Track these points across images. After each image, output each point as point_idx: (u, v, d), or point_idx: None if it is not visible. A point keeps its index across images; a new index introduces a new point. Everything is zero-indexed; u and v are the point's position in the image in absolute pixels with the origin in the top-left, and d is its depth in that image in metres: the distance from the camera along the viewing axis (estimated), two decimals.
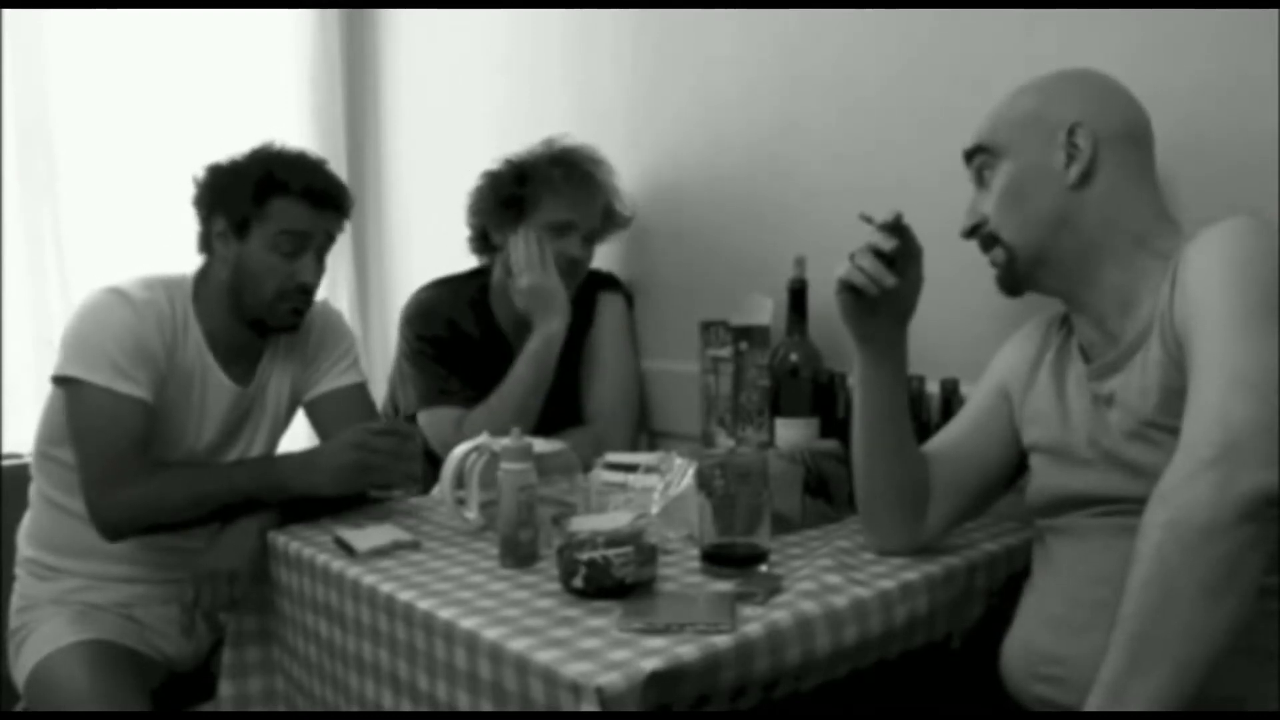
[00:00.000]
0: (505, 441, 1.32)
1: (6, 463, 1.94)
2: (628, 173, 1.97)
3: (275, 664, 1.50)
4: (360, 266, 2.78)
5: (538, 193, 1.85)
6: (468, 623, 1.10)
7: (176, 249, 1.72)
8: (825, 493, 1.45)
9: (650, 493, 1.40)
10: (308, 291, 1.63)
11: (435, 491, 1.56)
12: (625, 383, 1.98)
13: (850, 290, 1.19)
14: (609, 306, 1.99)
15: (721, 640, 1.03)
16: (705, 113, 1.92)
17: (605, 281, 2.02)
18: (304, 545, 1.41)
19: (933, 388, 1.48)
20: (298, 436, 1.80)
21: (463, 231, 1.97)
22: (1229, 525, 0.86)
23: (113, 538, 1.53)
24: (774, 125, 1.81)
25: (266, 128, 1.84)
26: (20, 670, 1.58)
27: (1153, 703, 0.86)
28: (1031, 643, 1.14)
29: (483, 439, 1.45)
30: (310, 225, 1.60)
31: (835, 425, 1.59)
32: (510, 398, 1.80)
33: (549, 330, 1.83)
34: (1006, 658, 1.18)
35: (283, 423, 1.76)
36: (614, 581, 1.14)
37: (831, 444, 1.51)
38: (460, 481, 1.45)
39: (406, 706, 1.20)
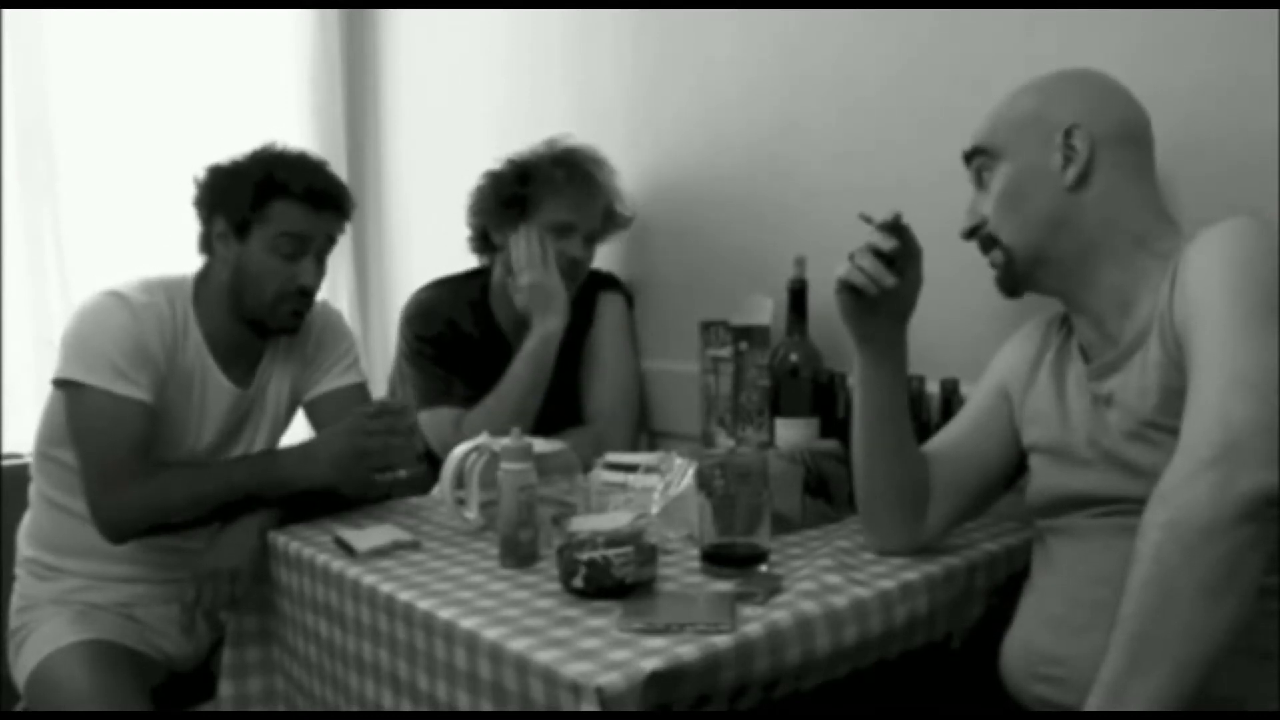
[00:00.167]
0: (505, 441, 1.32)
1: (6, 463, 1.95)
2: (628, 173, 1.97)
3: (275, 664, 1.50)
4: (360, 266, 2.78)
5: (539, 193, 1.86)
6: (468, 623, 1.10)
7: (177, 249, 1.72)
8: (825, 493, 1.45)
9: (650, 493, 1.40)
10: (308, 294, 1.63)
11: (435, 491, 1.56)
12: (625, 383, 1.98)
13: (850, 290, 1.19)
14: (609, 306, 1.99)
15: (721, 640, 1.03)
16: (705, 113, 1.92)
17: (605, 281, 2.02)
18: (304, 545, 1.41)
19: (933, 388, 1.48)
20: (298, 437, 1.80)
21: (463, 231, 1.97)
22: (1229, 525, 0.86)
23: (116, 539, 1.53)
24: (774, 125, 1.81)
25: (267, 128, 1.84)
26: (21, 670, 1.58)
27: (1153, 703, 0.86)
28: (1031, 643, 1.14)
29: (483, 439, 1.45)
30: (311, 228, 1.60)
31: (835, 425, 1.59)
32: (508, 397, 1.80)
33: (547, 329, 1.83)
34: (1006, 658, 1.18)
35: (283, 423, 1.76)
36: (614, 581, 1.14)
37: (831, 444, 1.51)
38: (460, 481, 1.45)
39: (406, 706, 1.20)
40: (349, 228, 1.71)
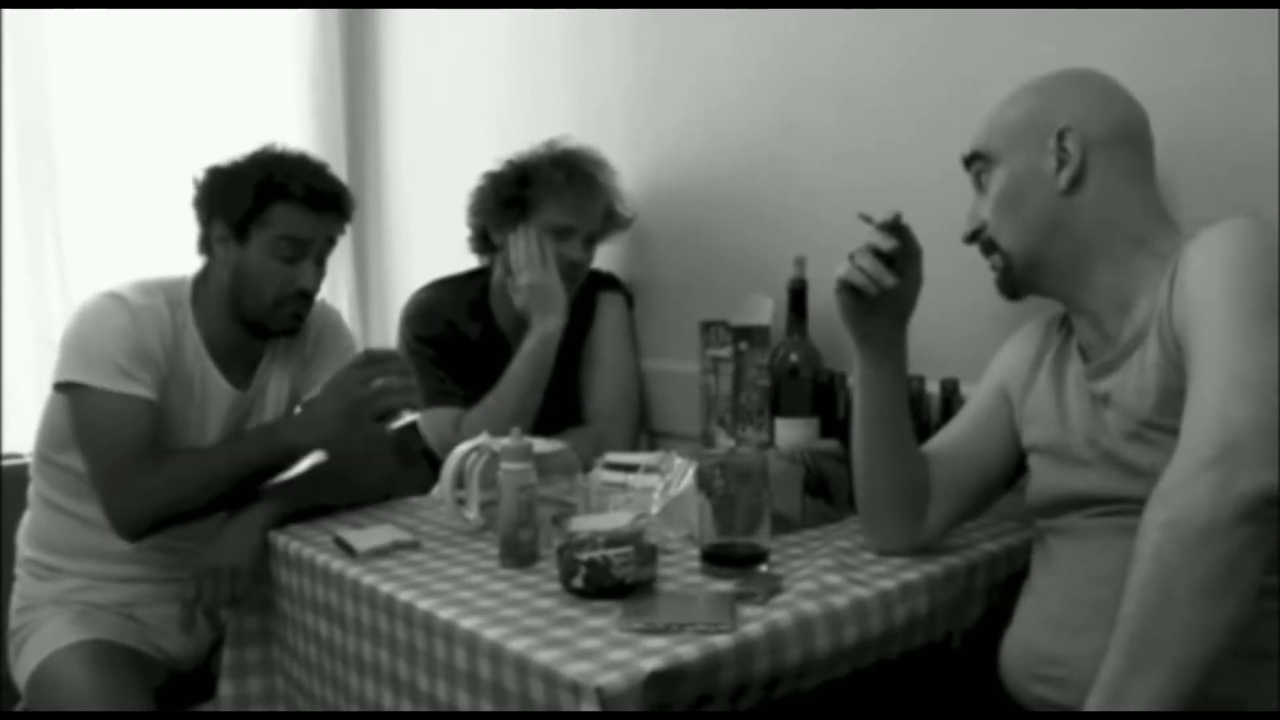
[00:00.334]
0: (505, 441, 1.32)
1: (6, 463, 1.94)
2: (627, 173, 1.97)
3: (275, 664, 1.50)
4: (360, 267, 2.78)
5: (539, 195, 1.85)
6: (468, 623, 1.10)
7: (176, 250, 1.72)
8: (825, 493, 1.45)
9: (650, 493, 1.40)
10: (308, 296, 1.63)
11: (435, 491, 1.56)
12: (625, 383, 1.98)
13: (850, 290, 1.19)
14: (609, 306, 1.99)
15: (721, 640, 1.03)
16: (705, 113, 1.92)
17: (605, 281, 2.01)
18: (304, 545, 1.41)
19: (933, 388, 1.48)
20: None
21: (463, 231, 1.97)
22: (1228, 525, 0.86)
23: (132, 536, 1.52)
24: (774, 125, 1.81)
25: (267, 128, 1.84)
26: (21, 671, 1.58)
27: (1153, 703, 0.86)
28: (1031, 643, 1.14)
29: (483, 439, 1.45)
30: (311, 231, 1.59)
31: (835, 425, 1.59)
32: (507, 397, 1.80)
33: (546, 329, 1.83)
34: (1005, 658, 1.18)
35: None
36: (614, 581, 1.14)
37: (831, 444, 1.51)
38: (460, 481, 1.45)
39: (406, 706, 1.20)
40: (349, 228, 1.70)
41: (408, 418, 1.50)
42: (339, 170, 1.73)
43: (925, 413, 1.46)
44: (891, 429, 1.27)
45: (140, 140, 2.36)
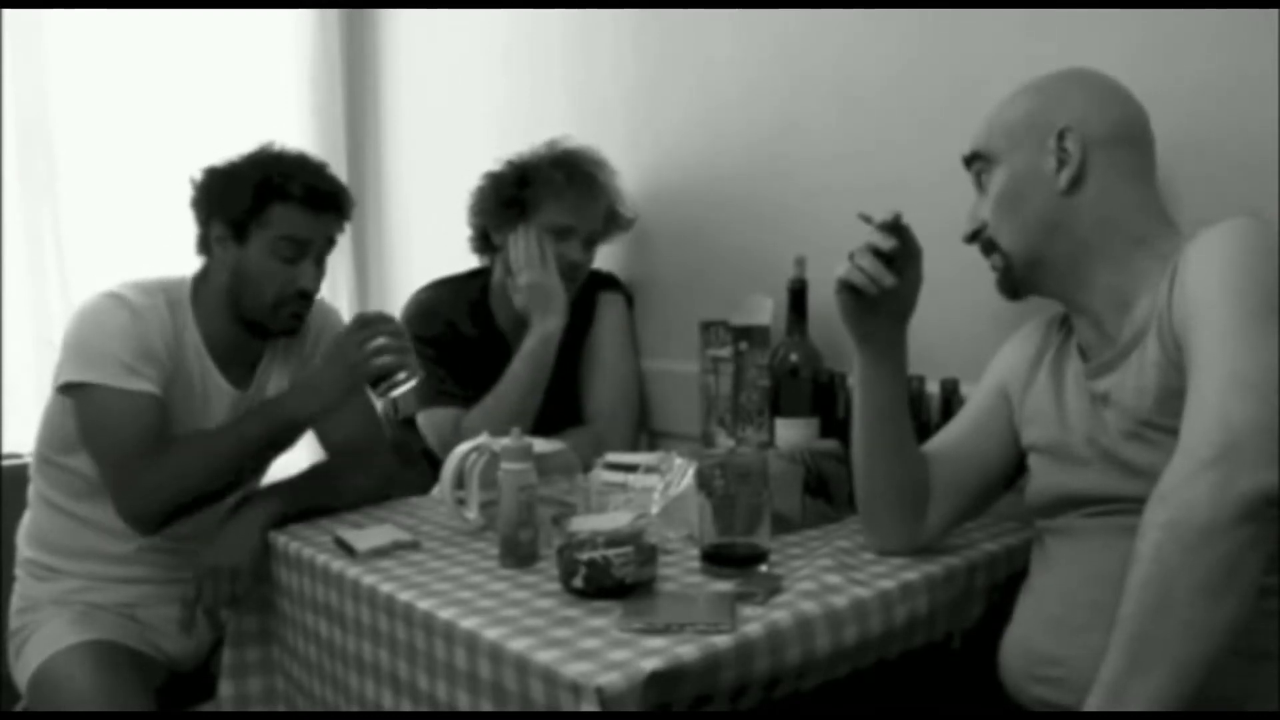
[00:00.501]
0: (505, 441, 1.32)
1: (6, 463, 1.94)
2: (628, 173, 1.97)
3: (275, 664, 1.50)
4: (360, 267, 2.78)
5: (539, 195, 1.85)
6: (468, 623, 1.10)
7: (176, 250, 1.72)
8: (825, 493, 1.45)
9: (650, 493, 1.40)
10: (308, 296, 1.62)
11: (435, 491, 1.56)
12: (625, 383, 1.98)
13: (850, 290, 1.19)
14: (609, 306, 1.99)
15: (721, 640, 1.03)
16: (705, 113, 1.92)
17: (605, 281, 2.02)
18: (304, 545, 1.41)
19: (933, 388, 1.48)
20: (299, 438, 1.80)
21: (463, 231, 1.97)
22: (1228, 525, 0.86)
23: (146, 530, 1.52)
24: (774, 125, 1.81)
25: (266, 128, 1.84)
26: (22, 671, 1.58)
27: (1152, 703, 0.86)
28: (1030, 643, 1.14)
29: (483, 439, 1.45)
30: (310, 231, 1.59)
31: (835, 425, 1.59)
32: (506, 397, 1.80)
33: (546, 330, 1.83)
34: (1005, 658, 1.18)
35: None
36: (614, 581, 1.14)
37: (831, 444, 1.51)
38: (460, 481, 1.45)
39: (406, 706, 1.20)
40: (349, 228, 1.70)
41: (406, 385, 1.51)
42: (339, 170, 1.73)
43: (925, 413, 1.46)
44: (891, 429, 1.27)
45: (140, 140, 2.36)
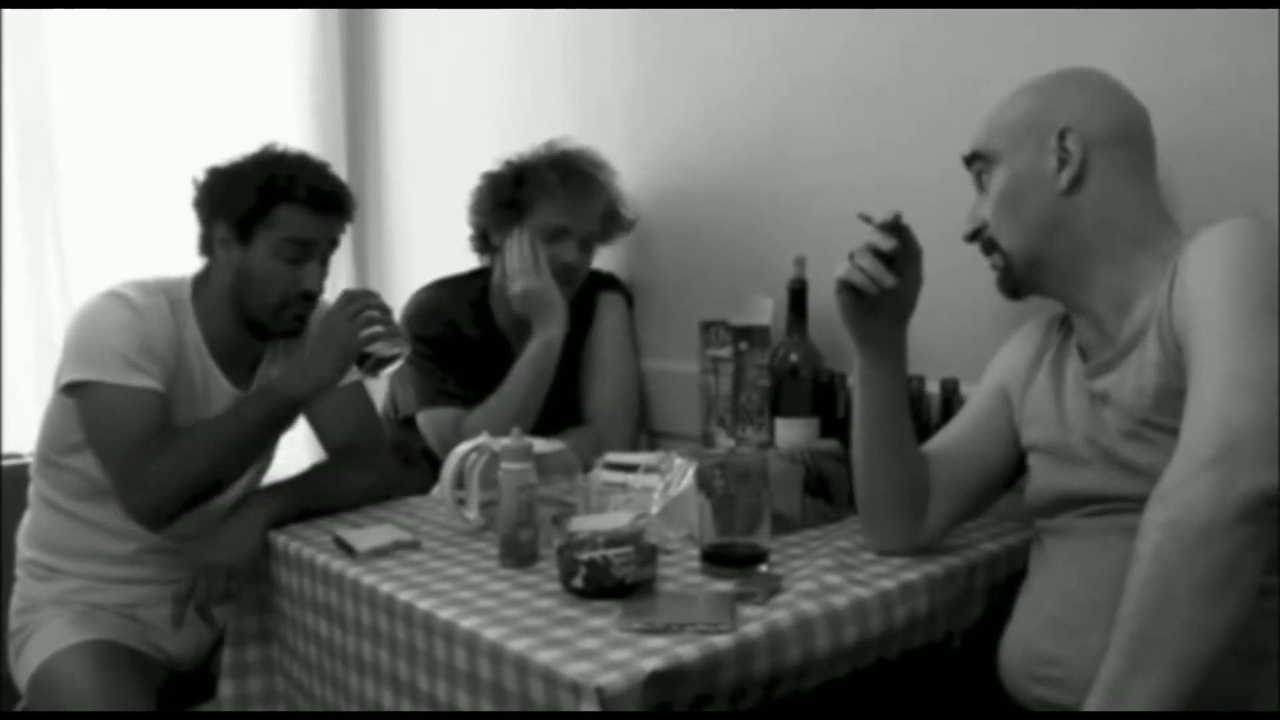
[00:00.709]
0: (505, 441, 1.32)
1: (6, 463, 1.94)
2: (628, 173, 1.97)
3: (275, 664, 1.50)
4: (360, 267, 2.78)
5: (533, 195, 1.85)
6: (468, 623, 1.10)
7: (177, 250, 1.72)
8: (825, 493, 1.45)
9: (650, 493, 1.40)
10: (311, 298, 1.63)
11: (435, 491, 1.56)
12: (625, 383, 1.98)
13: (850, 290, 1.19)
14: (609, 307, 1.99)
15: (721, 640, 1.03)
16: (705, 113, 1.92)
17: (605, 282, 2.02)
18: (304, 545, 1.41)
19: (933, 388, 1.48)
20: (299, 437, 1.80)
21: (463, 231, 1.97)
22: (1228, 525, 0.86)
23: (155, 525, 1.51)
24: (774, 125, 1.81)
25: (267, 128, 1.84)
26: (22, 671, 1.58)
27: (1152, 703, 0.87)
28: (1029, 643, 1.14)
29: (483, 439, 1.45)
30: (315, 232, 1.59)
31: (835, 425, 1.59)
32: (509, 400, 1.80)
33: (548, 335, 1.83)
34: (1004, 658, 1.18)
35: None
36: (614, 581, 1.14)
37: (831, 444, 1.51)
38: (460, 481, 1.45)
39: (406, 706, 1.20)
40: (349, 228, 1.70)
41: (394, 364, 1.53)
42: (339, 170, 1.73)
43: (925, 413, 1.46)
44: (891, 429, 1.27)
45: (140, 140, 2.36)
